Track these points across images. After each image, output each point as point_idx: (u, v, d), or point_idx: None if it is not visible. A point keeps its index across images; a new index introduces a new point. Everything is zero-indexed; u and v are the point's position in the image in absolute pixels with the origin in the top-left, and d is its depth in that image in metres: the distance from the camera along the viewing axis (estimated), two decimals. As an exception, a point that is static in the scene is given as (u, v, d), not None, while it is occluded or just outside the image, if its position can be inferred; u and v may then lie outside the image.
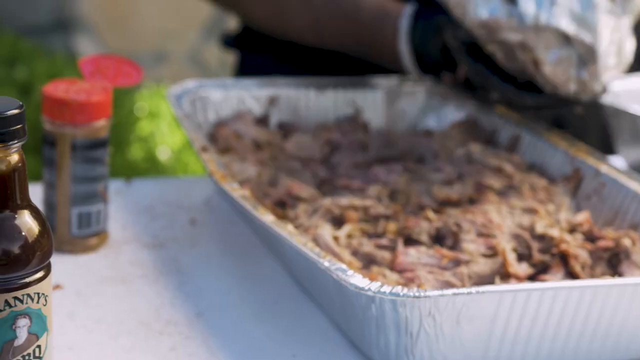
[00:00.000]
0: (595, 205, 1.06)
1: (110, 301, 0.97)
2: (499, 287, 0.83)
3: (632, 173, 1.06)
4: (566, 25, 1.09)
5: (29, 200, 0.74)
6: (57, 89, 1.03)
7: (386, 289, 0.81)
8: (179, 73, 2.89)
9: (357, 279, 0.83)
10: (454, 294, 0.81)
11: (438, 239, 0.99)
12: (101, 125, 1.04)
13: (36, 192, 1.04)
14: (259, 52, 1.44)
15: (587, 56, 1.11)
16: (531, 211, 1.02)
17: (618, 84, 1.33)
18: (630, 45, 1.15)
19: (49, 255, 0.74)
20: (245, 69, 1.48)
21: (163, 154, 2.46)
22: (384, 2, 1.27)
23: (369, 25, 1.26)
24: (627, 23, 1.14)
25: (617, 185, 1.05)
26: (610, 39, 1.11)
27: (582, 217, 1.00)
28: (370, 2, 1.27)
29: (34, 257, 0.73)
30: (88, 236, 1.05)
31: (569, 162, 1.11)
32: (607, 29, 1.10)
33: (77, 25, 3.03)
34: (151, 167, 2.34)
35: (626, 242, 0.95)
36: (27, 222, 0.73)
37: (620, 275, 0.94)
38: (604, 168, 1.08)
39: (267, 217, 0.94)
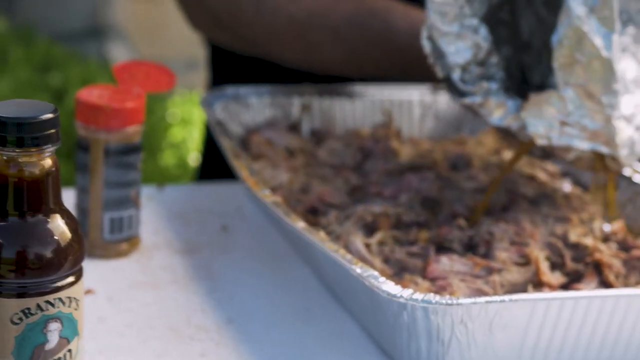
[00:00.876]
0: (630, 214, 1.06)
1: (141, 306, 0.97)
2: (532, 295, 0.82)
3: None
4: (580, 143, 0.99)
5: (61, 205, 0.75)
6: (91, 94, 1.04)
7: (418, 296, 0.81)
8: (210, 80, 2.89)
9: (389, 286, 0.82)
10: (487, 302, 0.80)
11: (470, 247, 0.98)
12: (134, 130, 1.04)
13: (69, 198, 1.04)
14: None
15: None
16: (565, 220, 1.02)
17: None
18: None
19: (81, 260, 0.74)
20: None
21: (195, 160, 2.46)
22: (413, 16, 1.19)
23: (407, 49, 1.19)
24: None
25: (652, 194, 1.04)
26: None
27: (617, 226, 1.00)
28: (400, 19, 1.20)
29: (66, 261, 0.73)
30: (120, 241, 1.05)
31: (604, 170, 1.10)
32: (626, 126, 0.99)
33: (110, 32, 3.05)
34: (183, 174, 2.35)
35: (661, 251, 0.94)
36: (59, 227, 0.73)
37: (655, 284, 0.93)
38: (638, 177, 1.07)
39: (299, 224, 0.94)
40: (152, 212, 1.16)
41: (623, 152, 0.97)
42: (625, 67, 0.99)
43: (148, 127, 2.52)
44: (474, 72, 1.01)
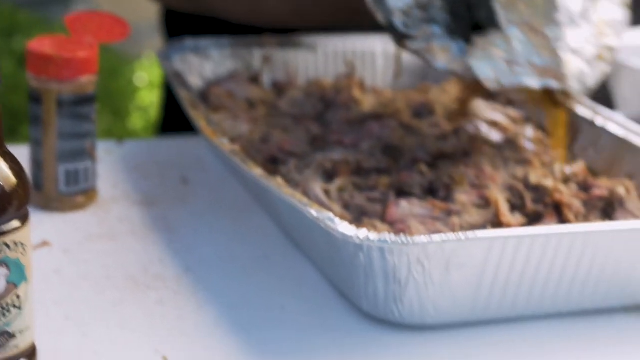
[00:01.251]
0: (592, 157, 1.05)
1: (97, 257, 0.96)
2: (489, 233, 0.81)
3: (627, 124, 1.04)
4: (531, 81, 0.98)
5: (4, 148, 0.73)
6: (42, 44, 1.02)
7: (374, 236, 0.80)
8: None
9: (344, 228, 0.81)
10: (443, 241, 0.79)
11: (431, 191, 0.97)
12: (87, 80, 1.02)
13: (25, 153, 1.03)
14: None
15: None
16: (526, 162, 1.01)
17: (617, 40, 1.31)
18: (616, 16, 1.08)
19: (25, 204, 0.73)
20: None
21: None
22: None
23: None
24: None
25: (613, 136, 1.03)
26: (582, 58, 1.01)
27: (577, 167, 0.99)
28: None
29: (10, 205, 0.71)
30: (76, 194, 1.04)
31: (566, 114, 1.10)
32: (574, 59, 0.99)
33: (76, -4, 3.02)
34: (151, 137, 2.32)
35: (620, 190, 0.93)
36: (3, 170, 0.72)
37: (614, 223, 0.92)
38: (599, 120, 1.06)
39: (256, 171, 0.93)
40: (111, 165, 1.14)
41: (573, 85, 0.97)
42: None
43: (116, 90, 2.50)
44: (416, 16, 0.99)
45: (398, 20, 0.99)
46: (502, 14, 0.95)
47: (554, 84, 0.97)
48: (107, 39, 1.06)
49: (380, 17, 1.00)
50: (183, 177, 1.13)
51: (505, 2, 0.95)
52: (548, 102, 1.01)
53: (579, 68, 0.97)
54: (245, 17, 1.25)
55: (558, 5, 0.94)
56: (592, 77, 1.01)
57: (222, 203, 1.08)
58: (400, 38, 0.99)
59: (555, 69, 0.95)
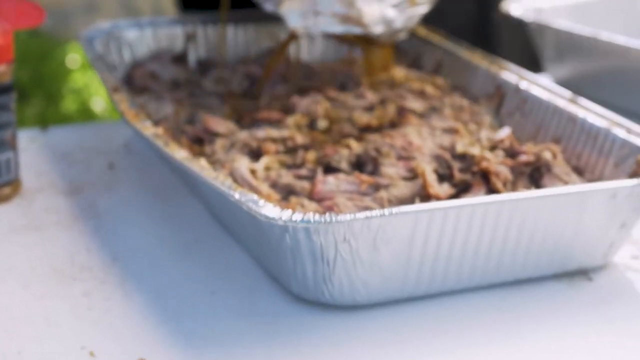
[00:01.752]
0: (518, 122, 1.04)
1: (22, 250, 0.94)
2: (414, 207, 0.80)
3: (552, 87, 1.03)
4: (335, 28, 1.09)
5: None
6: (-47, 34, 0.99)
7: (297, 216, 0.78)
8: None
9: (268, 209, 0.80)
10: (367, 217, 0.78)
11: (359, 165, 0.96)
12: (3, 70, 1.00)
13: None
14: None
15: None
16: (452, 131, 1.00)
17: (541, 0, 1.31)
18: None
19: None
20: None
21: (98, 105, 2.41)
22: None
23: None
24: None
25: (538, 100, 1.03)
26: None
27: (503, 134, 0.98)
28: None
29: None
30: (-2, 186, 1.01)
31: (491, 80, 1.09)
32: (375, 7, 1.08)
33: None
34: (86, 119, 2.29)
35: (547, 155, 0.93)
36: None
37: (542, 188, 0.92)
38: (524, 84, 1.05)
39: (179, 154, 0.91)
40: (35, 154, 1.12)
41: (376, 29, 1.07)
42: None
43: (48, 73, 2.46)
44: None
45: None
46: None
47: (356, 30, 1.07)
48: (22, 24, 1.03)
49: None
50: (110, 162, 1.11)
51: None
52: (362, 42, 1.13)
53: (382, 14, 1.07)
54: None
55: None
56: (400, 20, 1.09)
57: (149, 187, 1.06)
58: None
59: (355, 16, 1.06)
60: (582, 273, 0.90)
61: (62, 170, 1.09)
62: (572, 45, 1.24)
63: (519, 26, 1.30)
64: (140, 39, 1.22)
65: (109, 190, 1.05)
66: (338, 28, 1.07)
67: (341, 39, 1.15)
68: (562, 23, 1.26)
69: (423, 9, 1.11)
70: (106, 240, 0.95)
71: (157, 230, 0.98)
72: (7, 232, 0.97)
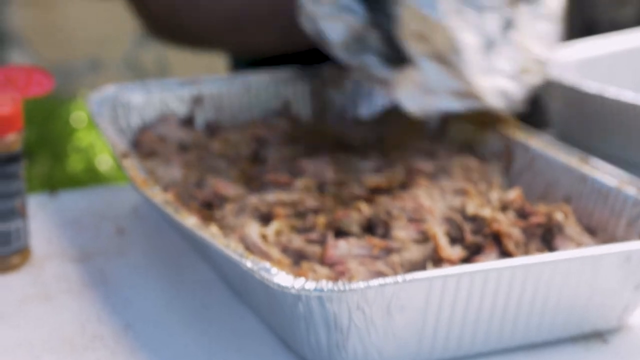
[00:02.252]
0: (528, 181, 1.04)
1: (32, 320, 0.93)
2: (428, 273, 0.80)
3: (560, 145, 1.03)
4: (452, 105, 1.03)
5: None
6: (-38, 104, 0.99)
7: (310, 285, 0.78)
8: (115, 79, 2.84)
9: (280, 278, 0.79)
10: (381, 285, 0.78)
11: (370, 228, 0.96)
12: (13, 139, 1.00)
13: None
14: None
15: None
16: (463, 192, 1.00)
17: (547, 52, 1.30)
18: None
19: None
20: None
21: (104, 164, 2.41)
22: None
23: None
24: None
25: (548, 159, 1.03)
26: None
27: (514, 194, 0.98)
28: None
29: None
30: (8, 255, 1.01)
31: (500, 139, 1.09)
32: (492, 78, 1.03)
33: (8, 38, 2.98)
34: (92, 178, 2.30)
35: (558, 216, 0.93)
36: None
37: (554, 250, 0.91)
38: (533, 142, 1.05)
39: (189, 220, 0.91)
40: (44, 220, 1.12)
41: (495, 102, 1.01)
42: (462, 25, 1.01)
43: (53, 132, 2.46)
44: (354, 47, 1.00)
45: (340, 53, 1.01)
46: (411, 47, 0.98)
47: (475, 104, 1.01)
48: (32, 93, 1.03)
49: (328, 50, 1.01)
50: (119, 227, 1.11)
51: (408, 37, 0.98)
52: (487, 125, 1.07)
53: (500, 85, 1.01)
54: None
55: (455, 36, 0.98)
56: (519, 91, 1.04)
57: (159, 252, 1.06)
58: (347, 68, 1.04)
59: (471, 90, 1.00)
60: (597, 335, 0.89)
61: (72, 237, 1.09)
62: (579, 102, 1.24)
63: None
64: (148, 102, 1.22)
65: (118, 257, 1.05)
66: (455, 104, 1.02)
67: (466, 119, 1.10)
68: (569, 79, 1.26)
69: (536, 78, 1.07)
70: (117, 308, 0.95)
71: (168, 296, 0.97)
72: (18, 302, 0.96)
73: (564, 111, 1.29)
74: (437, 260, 0.89)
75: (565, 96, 1.27)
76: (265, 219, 0.98)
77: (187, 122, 1.22)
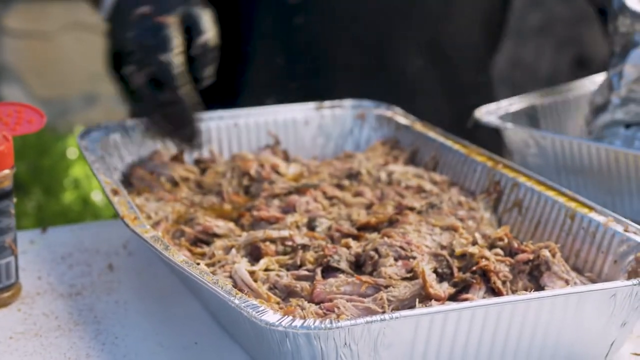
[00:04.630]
0: (517, 218, 1.05)
1: (22, 357, 0.93)
2: (415, 311, 0.80)
3: (549, 182, 1.04)
4: None
5: None
6: (-46, 141, 0.99)
7: (298, 322, 0.78)
8: (110, 114, 2.85)
9: (268, 315, 0.80)
10: (368, 322, 0.78)
11: (357, 265, 0.96)
12: (4, 176, 1.00)
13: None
14: None
15: None
16: (451, 229, 1.00)
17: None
18: None
19: None
20: None
21: (98, 196, 2.41)
22: None
23: None
24: None
25: (536, 196, 1.03)
26: None
27: (501, 231, 0.98)
28: None
29: None
30: (-2, 291, 1.01)
31: (488, 175, 1.10)
32: None
33: (2, 75, 2.98)
34: (86, 211, 2.30)
35: (545, 253, 0.93)
36: None
37: (542, 287, 0.92)
38: (521, 179, 1.06)
39: (179, 258, 0.91)
40: (34, 256, 1.12)
41: None
42: None
43: (47, 166, 2.47)
44: None
45: None
46: None
47: None
48: (23, 130, 1.04)
49: None
50: (109, 263, 1.11)
51: None
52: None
53: None
54: None
55: None
56: None
57: (149, 288, 1.06)
58: None
59: None
60: (585, 372, 0.89)
61: (62, 273, 1.09)
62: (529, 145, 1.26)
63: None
64: (139, 138, 1.22)
65: (108, 293, 1.05)
66: None
67: None
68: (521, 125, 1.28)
69: None
70: (106, 346, 0.95)
71: (156, 333, 0.97)
72: (7, 339, 0.96)
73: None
74: (425, 297, 0.89)
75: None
76: (255, 255, 0.99)
77: (177, 158, 1.23)
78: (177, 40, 1.11)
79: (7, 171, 1.01)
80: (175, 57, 1.10)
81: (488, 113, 1.27)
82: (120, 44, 1.13)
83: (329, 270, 0.95)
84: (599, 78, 1.35)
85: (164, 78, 1.10)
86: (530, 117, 1.32)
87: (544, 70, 2.63)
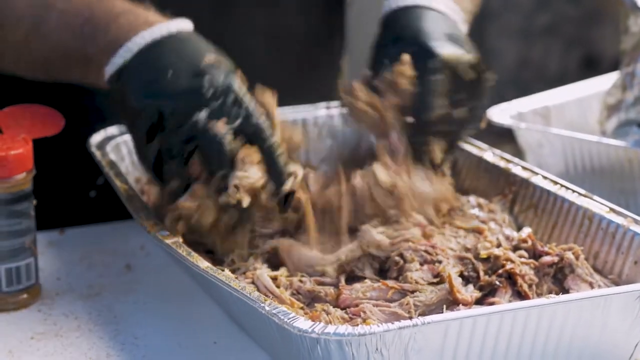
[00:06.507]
0: (532, 219, 1.05)
1: (43, 357, 0.94)
2: (445, 316, 0.81)
3: (563, 182, 1.04)
4: None
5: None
6: (-27, 144, 0.99)
7: (330, 329, 0.79)
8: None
9: (299, 322, 0.80)
10: (400, 328, 0.79)
11: (382, 271, 0.96)
12: (23, 178, 1.00)
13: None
14: None
15: None
16: (475, 231, 1.01)
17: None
18: None
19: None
20: None
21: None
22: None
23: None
24: None
25: (552, 196, 1.03)
26: None
27: (525, 233, 0.99)
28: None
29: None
30: (18, 292, 1.02)
31: (503, 177, 1.10)
32: None
33: None
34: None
35: (570, 256, 0.94)
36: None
37: (567, 290, 0.92)
38: (535, 179, 1.06)
39: (203, 264, 0.91)
40: (53, 257, 1.12)
41: None
42: None
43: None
44: None
45: None
46: None
47: None
48: (41, 133, 1.04)
49: None
50: (127, 264, 1.11)
51: None
52: None
53: None
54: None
55: None
56: None
57: (166, 289, 1.06)
58: None
59: None
60: (610, 374, 0.90)
61: (81, 273, 1.09)
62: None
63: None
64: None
65: (127, 293, 1.05)
66: None
67: None
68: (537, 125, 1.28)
69: None
70: (126, 346, 0.95)
71: (176, 333, 0.98)
72: (28, 339, 0.97)
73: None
74: (451, 301, 0.90)
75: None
76: (273, 262, 0.98)
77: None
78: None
79: (26, 173, 1.01)
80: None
81: (500, 112, 1.28)
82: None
83: (352, 280, 0.95)
84: (610, 77, 1.35)
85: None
86: (542, 117, 1.33)
87: (553, 70, 2.64)
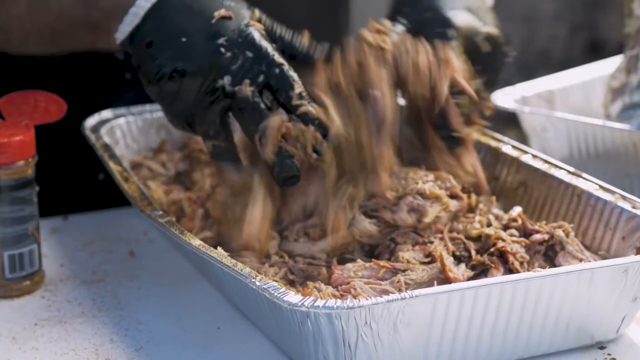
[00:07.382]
0: (522, 197, 1.06)
1: (47, 344, 0.95)
2: (433, 289, 0.82)
3: (553, 160, 1.05)
4: None
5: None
6: (-25, 132, 1.01)
7: (320, 302, 0.80)
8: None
9: (289, 296, 0.81)
10: (388, 301, 0.80)
11: (373, 255, 0.97)
12: (25, 164, 1.02)
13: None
14: None
15: None
16: (466, 211, 1.01)
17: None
18: None
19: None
20: None
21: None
22: None
23: None
24: None
25: (540, 174, 1.04)
26: None
27: (516, 212, 1.00)
28: None
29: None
30: (22, 278, 1.03)
31: (491, 155, 1.10)
32: None
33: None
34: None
35: (560, 233, 0.94)
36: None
37: (557, 267, 0.93)
38: (525, 158, 1.07)
39: (195, 242, 0.92)
40: (57, 244, 1.14)
41: None
42: None
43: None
44: None
45: None
46: None
47: None
48: (43, 119, 1.05)
49: None
50: (130, 250, 1.13)
51: None
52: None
53: None
54: None
55: None
56: None
57: (170, 275, 1.07)
58: None
59: None
60: (597, 346, 0.91)
61: (84, 260, 1.11)
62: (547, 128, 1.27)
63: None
64: (145, 126, 1.22)
65: (130, 279, 1.07)
66: None
67: None
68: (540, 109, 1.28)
69: None
70: (130, 331, 0.97)
71: (178, 318, 0.99)
72: (32, 325, 0.98)
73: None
74: (444, 280, 0.90)
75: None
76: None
77: (184, 147, 1.21)
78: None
79: (29, 160, 1.02)
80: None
81: (504, 96, 1.28)
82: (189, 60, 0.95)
83: (344, 261, 0.96)
84: (614, 60, 1.35)
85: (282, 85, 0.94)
86: (546, 101, 1.33)
87: (557, 55, 2.64)
